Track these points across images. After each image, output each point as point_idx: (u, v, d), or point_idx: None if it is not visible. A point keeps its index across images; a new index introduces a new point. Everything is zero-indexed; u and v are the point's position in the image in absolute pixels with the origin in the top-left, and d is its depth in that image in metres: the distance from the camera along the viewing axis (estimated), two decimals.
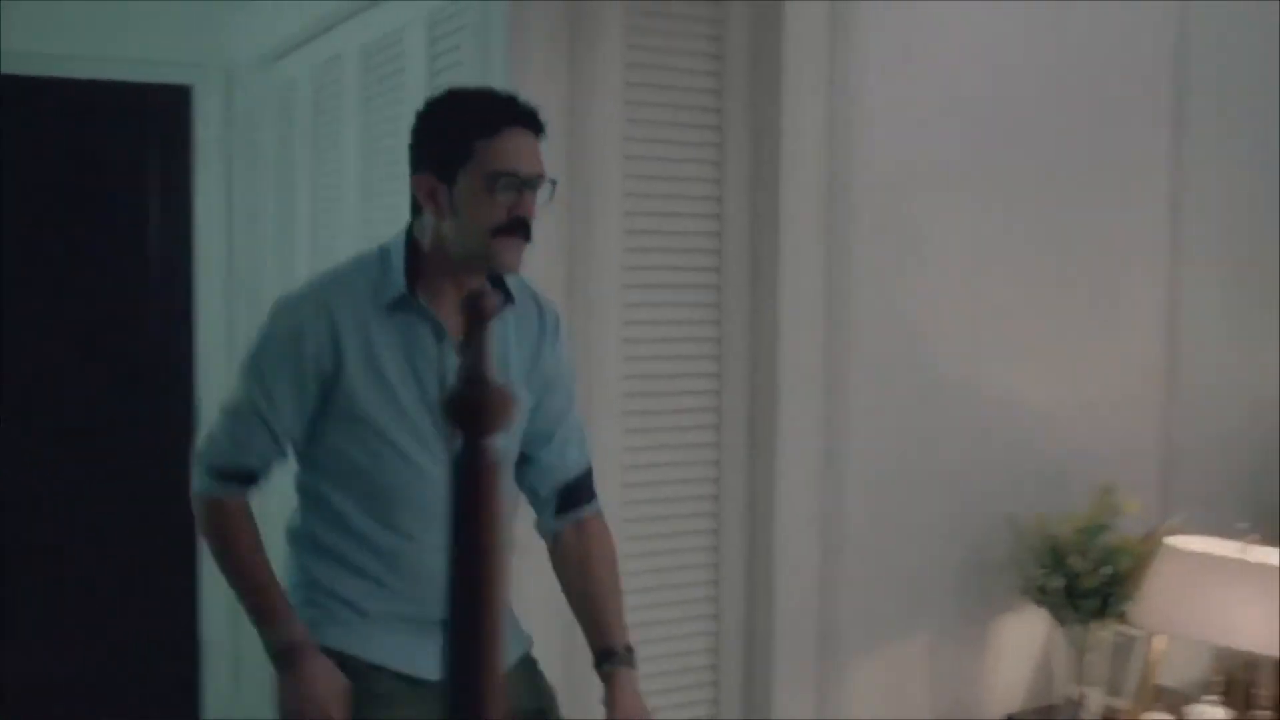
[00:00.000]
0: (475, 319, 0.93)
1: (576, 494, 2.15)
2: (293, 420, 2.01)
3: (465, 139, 1.95)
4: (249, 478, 2.04)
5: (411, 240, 2.02)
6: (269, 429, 2.01)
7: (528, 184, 1.97)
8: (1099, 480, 3.00)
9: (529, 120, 1.97)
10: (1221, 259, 3.33)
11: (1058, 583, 2.89)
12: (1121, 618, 2.90)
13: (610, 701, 2.05)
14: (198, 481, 2.04)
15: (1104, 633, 2.94)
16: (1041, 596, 2.93)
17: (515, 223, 1.96)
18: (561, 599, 2.16)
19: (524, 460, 2.12)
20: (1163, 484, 3.24)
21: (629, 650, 2.08)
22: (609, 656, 2.07)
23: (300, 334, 1.98)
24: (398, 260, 2.01)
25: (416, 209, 2.02)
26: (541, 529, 2.16)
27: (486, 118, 1.96)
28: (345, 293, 2.01)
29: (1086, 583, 2.88)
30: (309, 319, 1.99)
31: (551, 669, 2.18)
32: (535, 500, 2.15)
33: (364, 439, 1.99)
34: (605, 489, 2.24)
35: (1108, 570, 2.88)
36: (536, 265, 2.27)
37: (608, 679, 2.06)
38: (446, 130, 1.99)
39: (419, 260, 2.01)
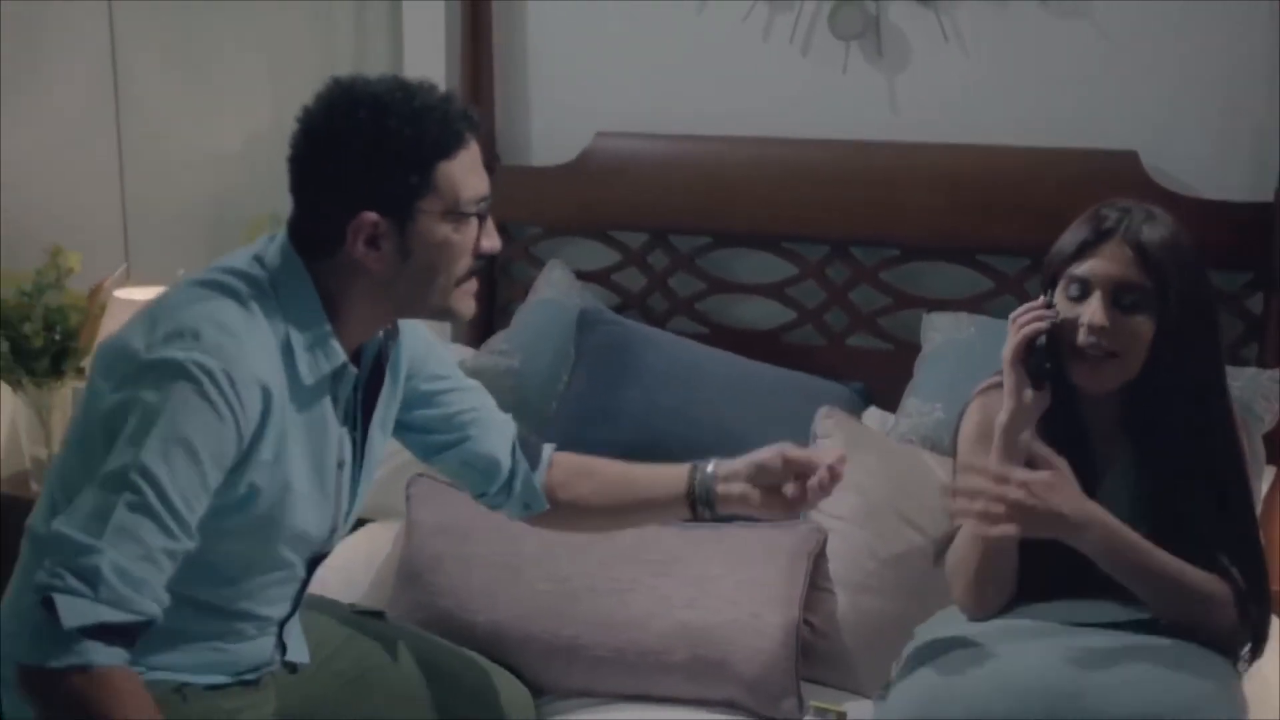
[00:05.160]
0: None
1: (532, 444, 1.88)
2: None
3: (425, 164, 1.53)
4: (139, 628, 1.42)
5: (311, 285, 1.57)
6: (173, 536, 1.43)
7: (488, 209, 1.61)
8: (54, 241, 2.99)
9: (476, 124, 1.58)
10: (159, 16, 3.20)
11: (3, 347, 2.90)
12: (80, 373, 2.95)
13: (757, 464, 1.78)
14: (47, 650, 1.36)
15: (64, 390, 2.99)
16: None
17: (482, 263, 1.62)
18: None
19: (461, 441, 1.83)
20: (120, 241, 3.30)
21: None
22: (695, 468, 1.81)
23: (235, 392, 1.47)
24: (311, 312, 1.56)
25: (320, 248, 1.57)
26: (530, 499, 1.86)
27: (446, 131, 1.54)
28: (265, 349, 1.53)
29: (36, 344, 2.90)
30: (243, 378, 1.47)
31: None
32: (497, 471, 1.84)
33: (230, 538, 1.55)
34: None
35: (58, 330, 2.93)
36: None
37: (725, 467, 1.80)
38: (399, 153, 1.51)
39: (331, 316, 1.58)
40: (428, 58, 2.95)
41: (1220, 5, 2.49)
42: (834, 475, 1.74)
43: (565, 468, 1.90)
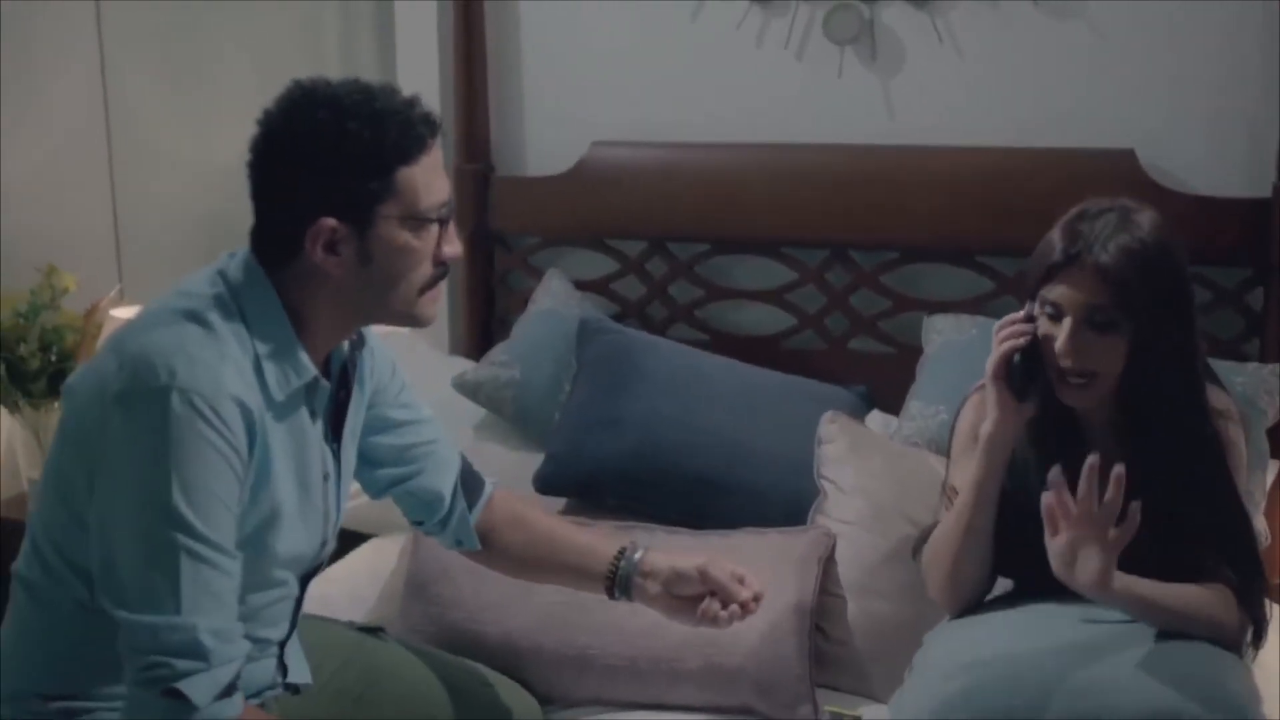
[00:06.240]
0: None
1: (474, 478, 1.88)
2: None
3: (385, 169, 1.49)
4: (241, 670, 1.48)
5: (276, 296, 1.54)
6: (230, 573, 1.47)
7: (450, 215, 1.58)
8: (48, 261, 3.01)
9: (438, 128, 1.55)
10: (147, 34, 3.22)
11: None
12: None
13: (678, 572, 1.80)
14: None
15: (57, 414, 3.02)
16: None
17: (445, 270, 1.59)
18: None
19: (413, 475, 1.82)
20: (114, 260, 3.32)
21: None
22: (623, 551, 1.83)
23: (221, 420, 1.45)
24: (277, 325, 1.54)
25: (280, 256, 1.54)
26: (463, 535, 1.86)
27: (407, 135, 1.50)
28: (238, 369, 1.49)
29: (32, 365, 2.90)
30: (225, 404, 1.45)
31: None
32: (439, 506, 1.83)
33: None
34: None
35: (54, 351, 2.94)
36: None
37: (649, 561, 1.82)
38: (358, 157, 1.48)
39: (297, 327, 1.56)
40: (421, 69, 2.95)
41: (1215, 3, 2.50)
42: (746, 610, 1.79)
43: (501, 512, 1.90)
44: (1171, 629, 1.72)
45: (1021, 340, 1.77)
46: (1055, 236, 1.77)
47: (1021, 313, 1.80)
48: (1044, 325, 1.77)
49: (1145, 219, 1.75)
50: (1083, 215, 1.77)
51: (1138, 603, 1.71)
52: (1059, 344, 1.74)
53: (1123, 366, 1.74)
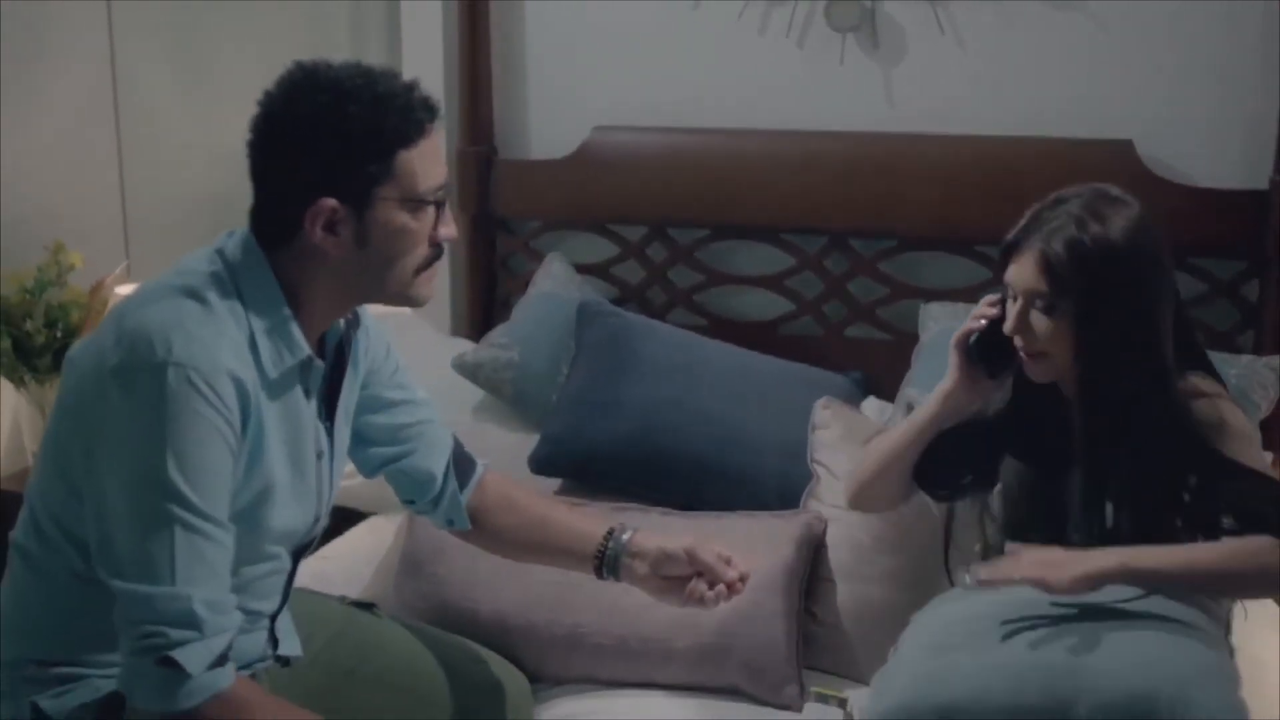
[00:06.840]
0: None
1: (466, 459, 1.90)
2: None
3: (385, 152, 1.52)
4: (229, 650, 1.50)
5: (272, 275, 1.57)
6: (223, 545, 1.50)
7: (446, 197, 1.61)
8: (55, 238, 2.97)
9: (437, 112, 1.57)
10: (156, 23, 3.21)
11: (5, 344, 2.86)
12: None
13: (665, 553, 1.82)
14: (178, 696, 1.44)
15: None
16: None
17: (440, 251, 1.62)
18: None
19: (405, 455, 1.84)
20: (121, 238, 3.29)
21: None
22: (612, 533, 1.85)
23: (215, 393, 1.47)
24: (273, 304, 1.56)
25: (279, 236, 1.56)
26: (454, 515, 1.89)
27: (407, 119, 1.53)
28: (233, 344, 1.52)
29: (38, 341, 2.88)
30: (221, 380, 1.48)
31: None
32: (430, 485, 1.85)
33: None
34: None
35: (60, 327, 2.91)
36: None
37: (637, 541, 1.84)
38: (358, 140, 1.50)
39: (293, 306, 1.58)
40: (425, 52, 2.96)
41: None
42: (732, 590, 1.82)
43: (493, 494, 1.92)
44: (1207, 591, 1.76)
45: (982, 321, 1.86)
46: (1020, 221, 1.81)
47: (996, 295, 1.87)
48: (1009, 306, 1.83)
49: (1118, 212, 1.76)
50: (1056, 200, 1.80)
51: (1141, 577, 1.71)
52: (1007, 324, 1.82)
53: (1073, 352, 1.78)
